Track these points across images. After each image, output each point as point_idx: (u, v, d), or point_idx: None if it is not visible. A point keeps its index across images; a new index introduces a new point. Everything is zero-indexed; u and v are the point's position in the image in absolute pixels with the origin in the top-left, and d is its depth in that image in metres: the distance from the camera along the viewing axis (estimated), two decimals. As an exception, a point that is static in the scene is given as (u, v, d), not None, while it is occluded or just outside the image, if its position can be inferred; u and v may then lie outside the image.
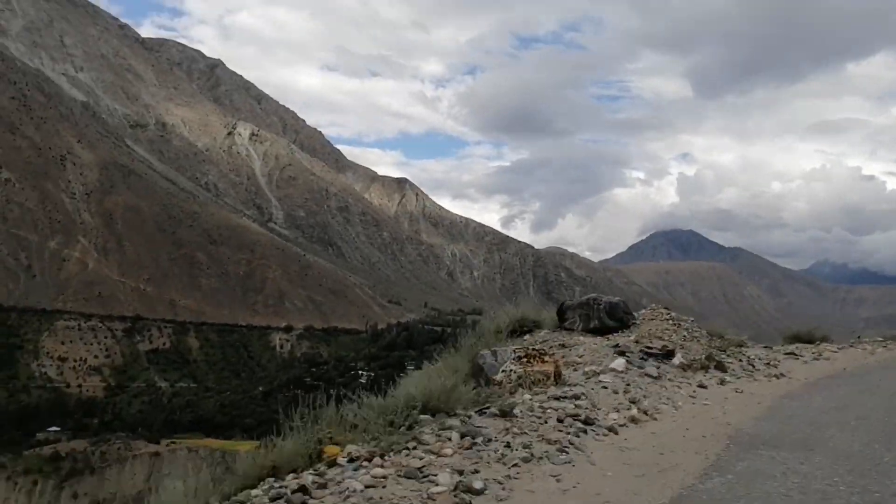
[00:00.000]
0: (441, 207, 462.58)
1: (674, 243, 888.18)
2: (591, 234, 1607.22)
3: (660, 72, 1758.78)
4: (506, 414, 6.95)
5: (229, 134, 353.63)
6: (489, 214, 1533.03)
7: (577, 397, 7.75)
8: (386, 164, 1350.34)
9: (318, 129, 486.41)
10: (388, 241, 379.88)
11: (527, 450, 5.96)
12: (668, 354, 10.34)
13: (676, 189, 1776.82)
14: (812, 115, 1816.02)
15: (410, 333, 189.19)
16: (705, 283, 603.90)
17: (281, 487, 5.13)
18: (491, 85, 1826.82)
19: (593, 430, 6.74)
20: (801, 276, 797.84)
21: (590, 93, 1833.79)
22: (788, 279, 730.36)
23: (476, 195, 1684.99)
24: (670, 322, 12.61)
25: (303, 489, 5.01)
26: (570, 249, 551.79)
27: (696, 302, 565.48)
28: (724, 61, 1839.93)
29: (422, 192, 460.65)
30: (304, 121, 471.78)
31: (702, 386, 9.33)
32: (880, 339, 15.70)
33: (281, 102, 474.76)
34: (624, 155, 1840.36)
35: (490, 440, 6.22)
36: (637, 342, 10.92)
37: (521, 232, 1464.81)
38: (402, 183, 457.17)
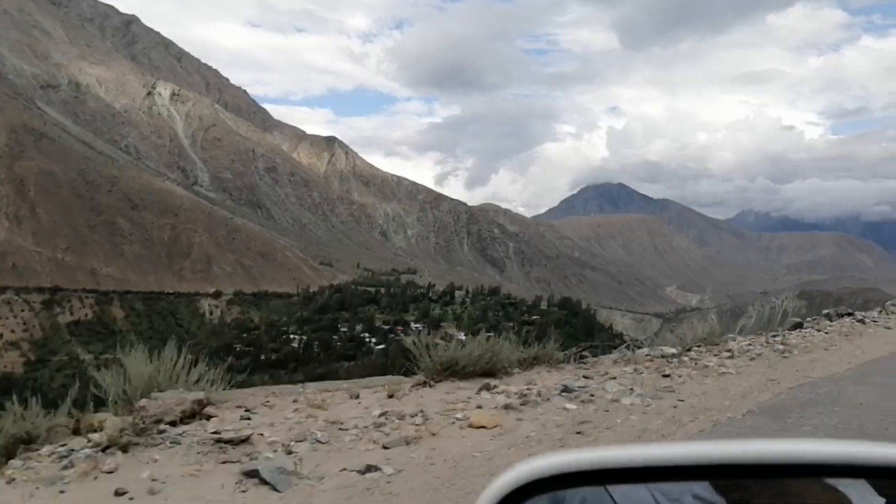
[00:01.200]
0: (372, 166, 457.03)
1: (605, 197, 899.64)
2: (524, 190, 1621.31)
3: (587, 24, 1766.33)
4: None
5: (149, 94, 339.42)
6: (422, 172, 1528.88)
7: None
8: (315, 123, 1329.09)
9: (243, 88, 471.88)
10: (318, 202, 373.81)
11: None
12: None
13: (606, 142, 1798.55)
14: (736, 66, 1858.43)
15: (343, 295, 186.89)
16: (635, 235, 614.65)
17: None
18: (419, 39, 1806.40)
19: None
20: (727, 225, 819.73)
21: (519, 46, 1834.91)
22: (715, 229, 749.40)
23: (408, 152, 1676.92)
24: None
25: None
26: (504, 205, 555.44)
27: (627, 254, 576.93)
28: (650, 12, 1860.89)
29: (352, 150, 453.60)
30: (227, 79, 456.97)
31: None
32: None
33: (203, 61, 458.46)
34: (554, 109, 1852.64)
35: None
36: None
37: (454, 189, 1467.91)
38: (331, 141, 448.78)
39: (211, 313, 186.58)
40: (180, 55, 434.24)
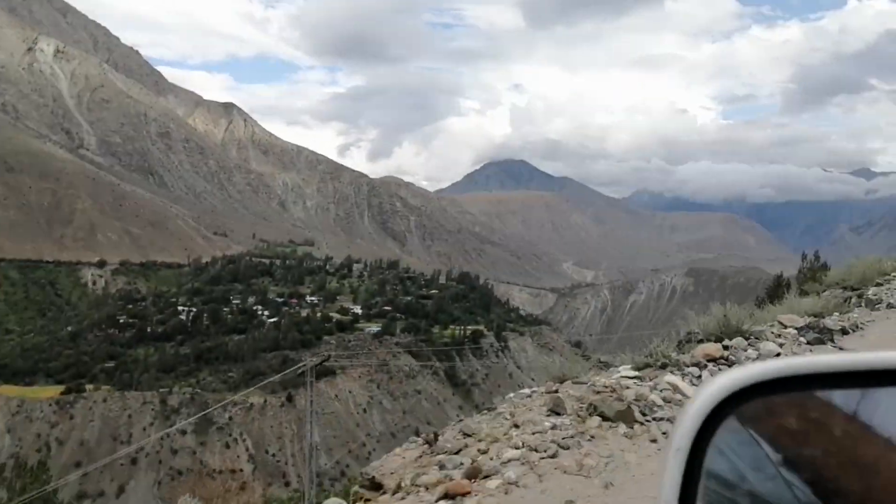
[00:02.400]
0: (272, 134, 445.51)
1: (506, 173, 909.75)
2: (427, 163, 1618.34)
3: (493, 1, 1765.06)
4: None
5: (29, 50, 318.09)
6: (325, 142, 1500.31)
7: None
8: (214, 89, 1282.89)
9: (136, 49, 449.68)
10: (214, 170, 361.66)
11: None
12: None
13: (509, 119, 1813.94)
14: (634, 49, 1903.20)
15: (237, 266, 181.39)
16: (535, 212, 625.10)
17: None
18: (323, 7, 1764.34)
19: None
20: (622, 204, 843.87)
21: (424, 19, 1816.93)
22: (611, 207, 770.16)
23: (311, 122, 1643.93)
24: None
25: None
26: (407, 178, 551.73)
27: (526, 230, 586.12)
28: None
29: (251, 117, 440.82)
30: (118, 38, 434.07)
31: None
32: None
33: (91, 17, 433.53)
34: (459, 84, 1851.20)
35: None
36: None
37: (357, 160, 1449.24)
38: (228, 108, 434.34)
39: (94, 283, 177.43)
40: (65, 10, 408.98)
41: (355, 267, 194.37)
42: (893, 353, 1.21)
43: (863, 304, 10.87)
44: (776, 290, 15.66)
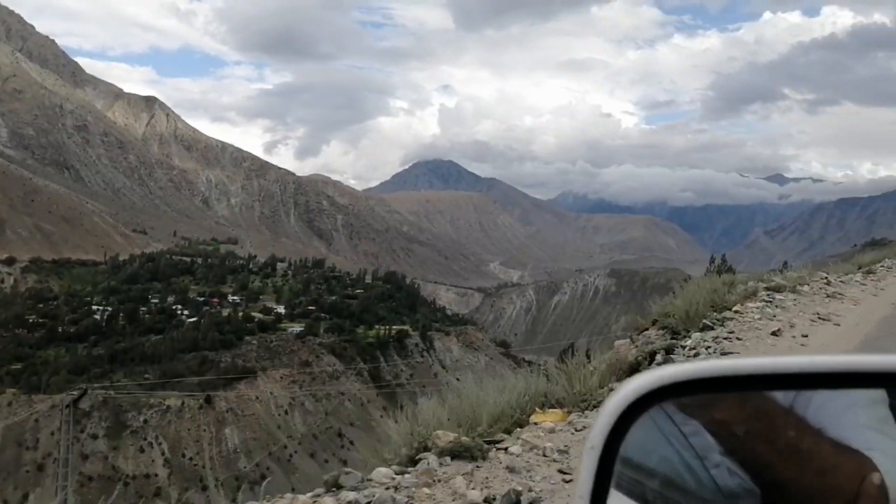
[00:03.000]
0: (195, 130, 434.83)
1: (435, 173, 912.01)
2: (356, 162, 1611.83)
3: (423, 1, 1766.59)
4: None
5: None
6: (251, 139, 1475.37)
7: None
8: (135, 81, 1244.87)
9: (52, 38, 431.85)
10: (134, 165, 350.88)
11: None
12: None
13: (438, 120, 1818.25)
14: (561, 54, 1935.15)
15: (156, 265, 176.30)
16: (463, 212, 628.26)
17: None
18: (251, 1, 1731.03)
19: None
20: (548, 205, 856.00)
21: (353, 17, 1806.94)
22: (537, 208, 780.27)
23: (237, 118, 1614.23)
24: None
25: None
26: (335, 177, 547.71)
27: (454, 230, 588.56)
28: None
29: (174, 112, 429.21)
30: (33, 27, 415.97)
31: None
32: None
33: (4, 3, 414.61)
34: (388, 84, 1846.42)
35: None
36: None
37: (285, 158, 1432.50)
38: (150, 102, 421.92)
39: (2, 282, 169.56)
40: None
41: (279, 266, 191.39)
42: (807, 356, 1.32)
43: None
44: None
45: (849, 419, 1.29)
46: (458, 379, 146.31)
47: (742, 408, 1.32)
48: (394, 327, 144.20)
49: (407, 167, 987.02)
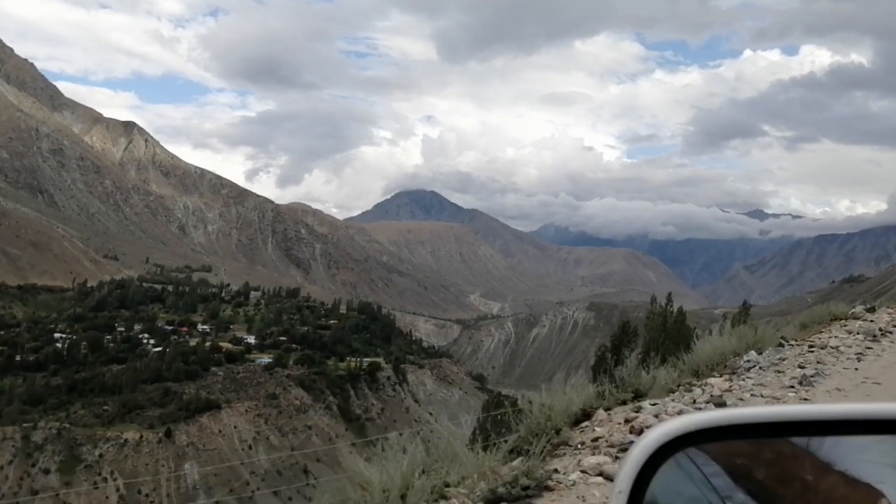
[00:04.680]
0: (174, 156, 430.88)
1: (417, 203, 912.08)
2: (338, 191, 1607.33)
3: (407, 32, 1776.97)
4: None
5: None
6: (233, 166, 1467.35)
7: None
8: (117, 107, 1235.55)
9: (31, 62, 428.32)
10: (110, 190, 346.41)
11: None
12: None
13: (421, 150, 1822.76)
14: (544, 87, 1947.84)
15: (125, 292, 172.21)
16: (444, 243, 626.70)
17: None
18: (234, 29, 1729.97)
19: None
20: (530, 237, 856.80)
21: (338, 47, 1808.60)
22: (518, 240, 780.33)
23: (219, 146, 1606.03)
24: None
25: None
26: (317, 206, 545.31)
27: (435, 260, 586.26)
28: (467, 28, 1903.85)
29: (152, 137, 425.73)
30: (12, 49, 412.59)
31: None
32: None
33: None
34: (372, 113, 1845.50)
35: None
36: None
37: (266, 186, 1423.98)
38: (129, 127, 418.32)
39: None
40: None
41: (252, 295, 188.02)
42: (819, 405, 1.45)
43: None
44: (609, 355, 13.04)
45: (860, 455, 1.37)
46: (431, 414, 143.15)
47: (761, 450, 1.38)
48: (366, 359, 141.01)
49: (389, 197, 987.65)
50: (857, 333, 10.55)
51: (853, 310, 13.05)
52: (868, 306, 13.67)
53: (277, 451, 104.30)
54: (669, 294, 15.51)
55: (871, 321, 11.95)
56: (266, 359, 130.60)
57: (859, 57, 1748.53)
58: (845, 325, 11.59)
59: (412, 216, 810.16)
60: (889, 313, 13.03)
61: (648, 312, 14.76)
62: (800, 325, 11.37)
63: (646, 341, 13.51)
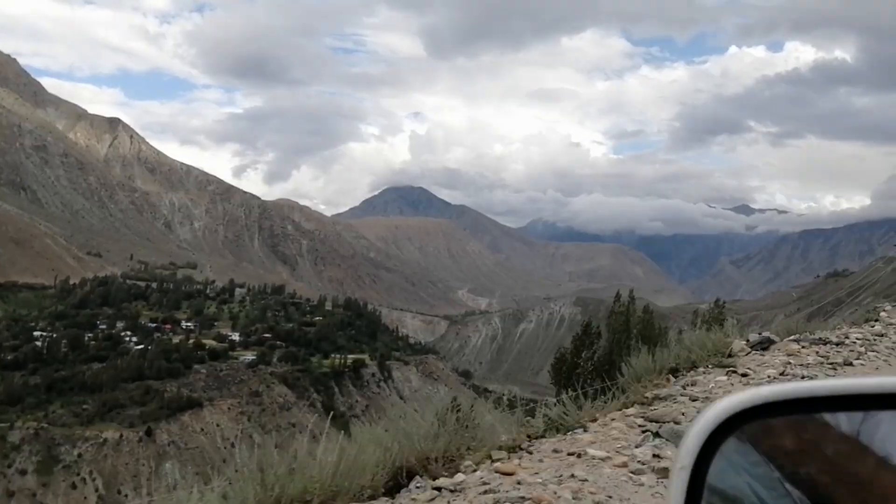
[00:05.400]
0: (159, 152, 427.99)
1: (405, 199, 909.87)
2: (326, 188, 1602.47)
3: (395, 29, 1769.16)
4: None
5: None
6: (221, 163, 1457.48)
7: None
8: (103, 103, 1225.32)
9: (13, 57, 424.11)
10: (94, 187, 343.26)
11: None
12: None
13: (409, 146, 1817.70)
14: (531, 83, 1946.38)
15: (108, 289, 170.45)
16: (432, 239, 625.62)
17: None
18: (221, 25, 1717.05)
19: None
20: (518, 233, 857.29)
21: (326, 43, 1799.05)
22: (506, 236, 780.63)
23: (206, 142, 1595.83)
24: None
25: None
26: (305, 202, 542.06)
27: (423, 256, 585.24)
28: (454, 24, 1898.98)
29: (137, 134, 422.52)
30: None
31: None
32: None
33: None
34: (359, 109, 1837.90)
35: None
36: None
37: (254, 182, 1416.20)
38: (114, 123, 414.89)
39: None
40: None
41: (238, 291, 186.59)
42: (890, 378, 1.33)
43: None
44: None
45: None
46: (416, 410, 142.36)
47: (818, 436, 1.34)
48: (351, 356, 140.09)
49: (377, 193, 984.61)
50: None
51: (744, 342, 9.54)
52: (762, 337, 9.68)
53: (261, 449, 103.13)
54: (631, 291, 14.63)
55: (756, 367, 8.15)
56: (250, 356, 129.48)
57: (843, 53, 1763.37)
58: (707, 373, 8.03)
59: (400, 212, 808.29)
60: (799, 348, 9.25)
61: (610, 311, 13.93)
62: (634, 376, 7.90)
63: (609, 343, 12.72)
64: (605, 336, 13.27)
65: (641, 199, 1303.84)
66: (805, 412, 1.35)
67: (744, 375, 7.74)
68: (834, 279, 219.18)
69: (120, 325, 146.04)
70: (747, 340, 9.60)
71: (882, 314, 13.53)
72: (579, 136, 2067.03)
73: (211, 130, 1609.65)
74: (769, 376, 7.54)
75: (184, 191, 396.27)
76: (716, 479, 1.34)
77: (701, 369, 8.25)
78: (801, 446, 1.36)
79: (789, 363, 8.28)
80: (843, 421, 1.33)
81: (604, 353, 12.56)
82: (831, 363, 8.42)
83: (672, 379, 7.78)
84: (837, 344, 9.58)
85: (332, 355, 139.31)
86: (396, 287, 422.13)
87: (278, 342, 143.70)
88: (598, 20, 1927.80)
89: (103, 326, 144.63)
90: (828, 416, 1.34)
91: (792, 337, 10.09)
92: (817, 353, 9.03)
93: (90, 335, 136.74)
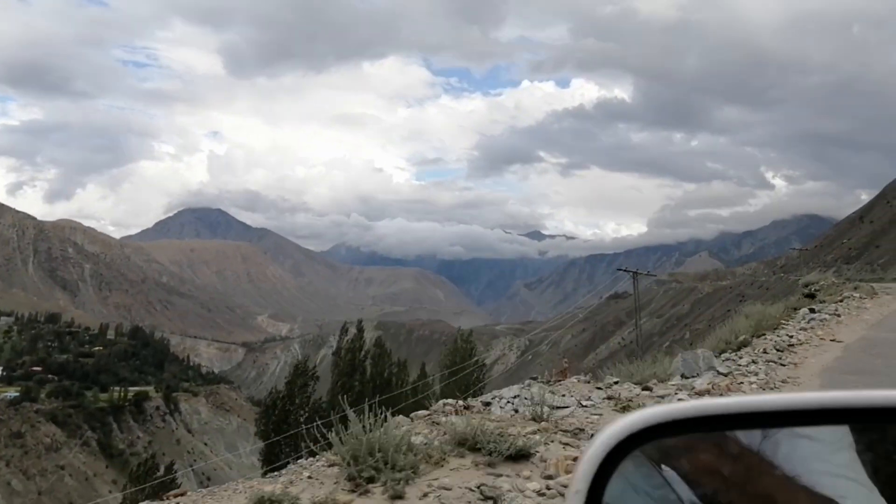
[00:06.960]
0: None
1: (202, 221, 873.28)
2: (115, 208, 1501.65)
3: (191, 44, 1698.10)
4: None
5: None
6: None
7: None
8: None
9: None
10: None
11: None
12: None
13: (207, 167, 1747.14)
14: (334, 107, 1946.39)
15: None
16: (230, 262, 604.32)
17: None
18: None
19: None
20: (321, 257, 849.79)
21: (114, 55, 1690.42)
22: (309, 260, 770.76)
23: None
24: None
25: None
26: (91, 223, 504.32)
27: (220, 281, 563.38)
28: (256, 43, 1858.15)
29: None
30: None
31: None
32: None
33: None
34: (152, 127, 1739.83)
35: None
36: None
37: (32, 201, 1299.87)
38: None
39: None
40: None
41: (4, 320, 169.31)
42: (781, 395, 1.40)
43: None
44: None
45: (819, 466, 1.32)
46: (206, 444, 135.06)
47: (719, 455, 1.33)
48: (133, 389, 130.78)
49: (171, 214, 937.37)
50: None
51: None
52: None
53: (21, 497, 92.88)
54: (360, 321, 13.84)
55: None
56: (12, 392, 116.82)
57: (622, 92, 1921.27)
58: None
59: (197, 235, 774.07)
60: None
61: (336, 347, 12.95)
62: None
63: (333, 384, 11.71)
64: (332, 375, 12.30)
65: (442, 225, 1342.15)
66: (705, 430, 1.35)
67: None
68: (615, 300, 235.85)
69: None
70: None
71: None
72: (382, 161, 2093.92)
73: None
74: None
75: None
76: (614, 502, 1.32)
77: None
78: (700, 465, 1.34)
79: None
80: (742, 439, 1.33)
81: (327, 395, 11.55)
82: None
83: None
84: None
85: (112, 388, 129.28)
86: (191, 313, 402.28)
87: (49, 375, 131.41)
88: (399, 48, 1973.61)
89: None
90: (728, 435, 1.34)
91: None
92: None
93: None
